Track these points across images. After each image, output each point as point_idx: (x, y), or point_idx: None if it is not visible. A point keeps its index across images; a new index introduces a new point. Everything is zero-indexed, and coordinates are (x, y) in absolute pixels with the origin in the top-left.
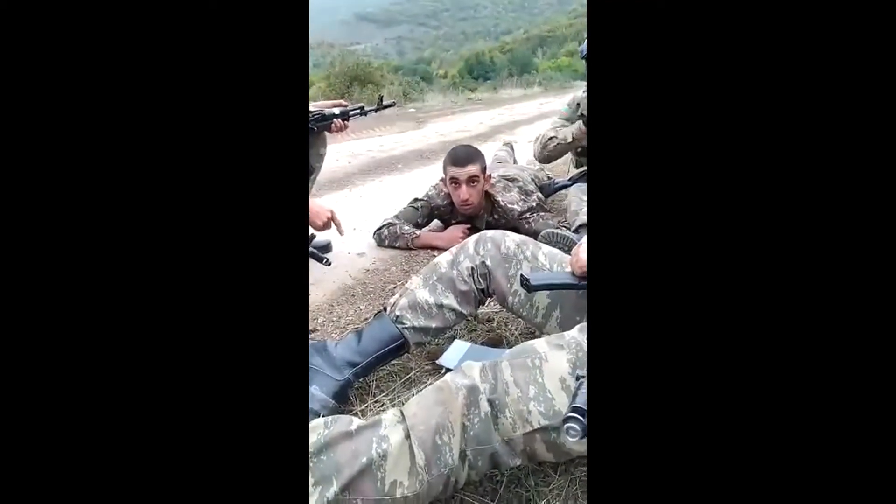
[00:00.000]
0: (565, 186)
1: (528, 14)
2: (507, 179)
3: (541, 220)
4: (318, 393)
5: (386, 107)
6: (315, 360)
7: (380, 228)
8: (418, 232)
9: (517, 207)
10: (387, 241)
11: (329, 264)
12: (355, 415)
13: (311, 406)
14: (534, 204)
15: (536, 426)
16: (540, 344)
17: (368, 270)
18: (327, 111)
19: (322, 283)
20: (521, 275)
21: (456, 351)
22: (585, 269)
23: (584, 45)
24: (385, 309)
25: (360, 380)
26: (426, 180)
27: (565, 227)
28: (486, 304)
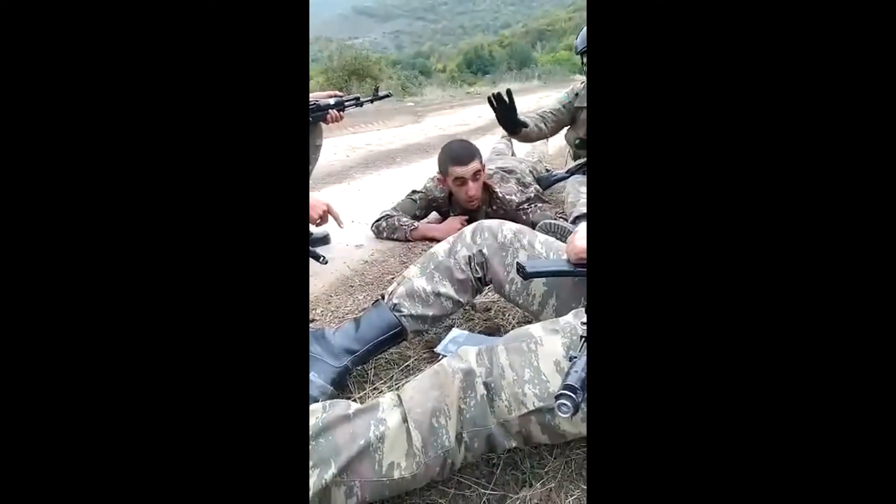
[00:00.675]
0: (563, 178)
1: (527, 8)
2: (505, 171)
3: (539, 211)
4: (317, 380)
5: (382, 97)
6: (314, 348)
7: (378, 220)
8: (416, 224)
9: (515, 198)
10: (385, 233)
11: (326, 262)
12: (354, 402)
13: (310, 392)
14: (532, 195)
15: (531, 408)
16: (535, 329)
17: (366, 262)
18: (322, 102)
19: (321, 274)
20: (518, 262)
21: (453, 339)
22: (581, 256)
23: (580, 40)
24: (383, 297)
25: (359, 368)
26: (424, 173)
27: (563, 218)
28: (484, 292)
